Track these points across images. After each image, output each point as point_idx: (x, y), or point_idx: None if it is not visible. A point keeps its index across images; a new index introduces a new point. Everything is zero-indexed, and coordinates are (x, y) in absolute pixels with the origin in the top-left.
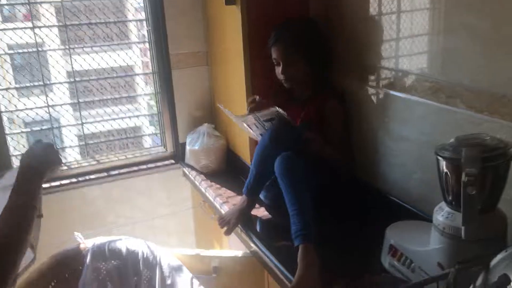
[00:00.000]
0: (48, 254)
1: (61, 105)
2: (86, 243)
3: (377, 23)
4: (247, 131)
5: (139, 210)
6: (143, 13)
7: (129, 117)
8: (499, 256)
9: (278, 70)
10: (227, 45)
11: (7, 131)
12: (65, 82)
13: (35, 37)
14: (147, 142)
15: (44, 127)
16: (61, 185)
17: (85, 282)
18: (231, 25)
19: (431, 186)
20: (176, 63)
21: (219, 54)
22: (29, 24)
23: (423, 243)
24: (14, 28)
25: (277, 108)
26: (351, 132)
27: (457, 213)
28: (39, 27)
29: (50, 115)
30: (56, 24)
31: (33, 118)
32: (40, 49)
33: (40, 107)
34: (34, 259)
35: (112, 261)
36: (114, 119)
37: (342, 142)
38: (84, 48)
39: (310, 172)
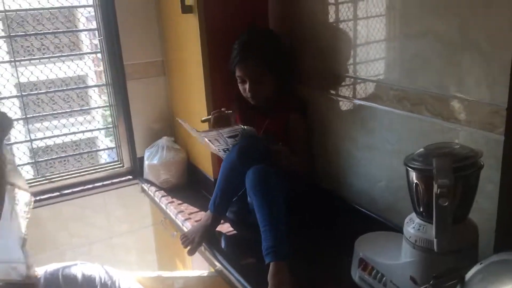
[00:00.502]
0: None
1: (20, 119)
2: (38, 270)
3: (338, 31)
4: (207, 146)
5: (96, 230)
6: (94, 23)
7: (82, 132)
8: (474, 269)
9: (243, 87)
10: (185, 55)
11: None
12: (12, 96)
13: None
14: (102, 157)
15: None
16: None
17: None
18: (189, 34)
19: (398, 196)
20: (131, 73)
21: (177, 64)
22: None
23: (394, 256)
24: None
25: (242, 126)
26: (315, 142)
27: (429, 225)
28: None
29: None
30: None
31: None
32: None
33: None
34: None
35: None
36: (65, 135)
37: (305, 153)
38: (32, 60)
39: (280, 185)
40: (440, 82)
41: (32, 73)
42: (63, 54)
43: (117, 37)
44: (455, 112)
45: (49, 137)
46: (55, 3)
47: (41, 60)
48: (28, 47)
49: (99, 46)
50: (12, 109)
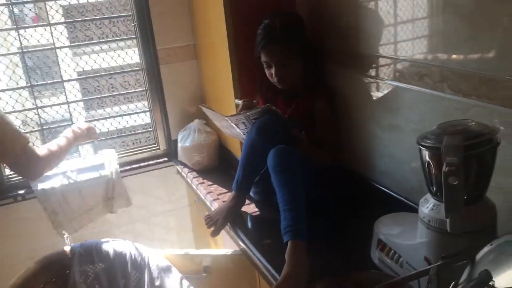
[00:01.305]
0: (34, 259)
1: (77, 101)
2: (73, 246)
3: (362, 9)
4: (232, 133)
5: (137, 209)
6: None
7: (121, 116)
8: (485, 249)
9: (270, 72)
10: (213, 38)
11: None
12: (74, 79)
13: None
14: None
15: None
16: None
17: (73, 286)
18: (216, 17)
19: (421, 176)
20: (164, 58)
21: (207, 48)
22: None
23: (410, 237)
24: (26, 27)
25: (269, 105)
26: (339, 124)
27: (442, 205)
28: (48, 25)
29: (70, 114)
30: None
31: (45, 120)
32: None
33: (59, 104)
34: None
35: (100, 264)
36: (107, 118)
37: (329, 143)
38: (93, 48)
39: (301, 166)
40: (462, 59)
41: (90, 58)
42: (101, 40)
43: (150, 22)
44: (476, 89)
45: (98, 119)
46: None
47: (102, 48)
48: (88, 36)
49: (133, 32)
50: (72, 93)
